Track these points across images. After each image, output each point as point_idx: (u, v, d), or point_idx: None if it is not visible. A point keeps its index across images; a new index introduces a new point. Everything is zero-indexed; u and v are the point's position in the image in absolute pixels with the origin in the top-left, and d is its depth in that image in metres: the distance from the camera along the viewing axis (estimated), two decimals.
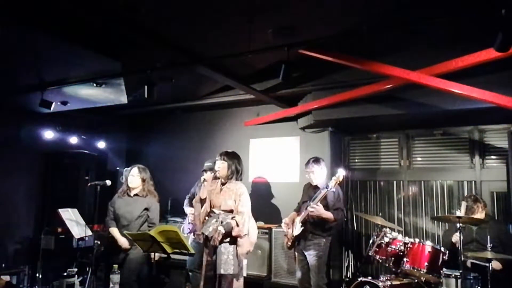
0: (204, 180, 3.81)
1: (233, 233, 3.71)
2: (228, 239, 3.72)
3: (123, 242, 4.10)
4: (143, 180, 4.29)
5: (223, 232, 3.63)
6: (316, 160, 4.33)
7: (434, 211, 5.09)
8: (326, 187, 3.98)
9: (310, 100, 5.22)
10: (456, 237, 3.84)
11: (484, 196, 4.66)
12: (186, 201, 4.98)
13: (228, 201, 3.78)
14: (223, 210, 3.78)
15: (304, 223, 4.18)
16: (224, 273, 3.64)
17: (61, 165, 6.16)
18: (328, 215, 4.04)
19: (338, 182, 3.97)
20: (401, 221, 5.27)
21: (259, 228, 5.23)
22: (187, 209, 4.85)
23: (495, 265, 3.71)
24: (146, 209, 4.25)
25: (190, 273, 4.76)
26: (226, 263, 3.65)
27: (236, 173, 3.87)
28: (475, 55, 3.60)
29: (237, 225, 3.71)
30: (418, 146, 5.32)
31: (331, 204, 4.11)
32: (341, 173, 3.98)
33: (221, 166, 3.82)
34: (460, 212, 4.12)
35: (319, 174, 4.28)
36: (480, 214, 4.03)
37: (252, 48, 3.52)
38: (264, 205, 5.63)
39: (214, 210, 3.80)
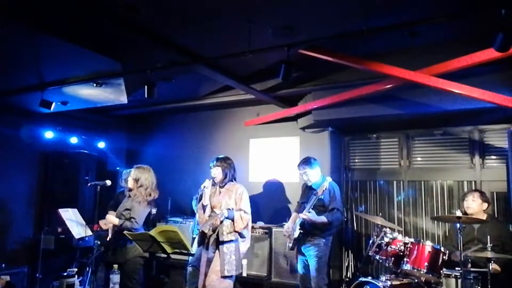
0: (205, 187, 3.89)
1: (236, 227, 3.78)
2: (231, 234, 3.78)
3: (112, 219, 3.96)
4: (136, 181, 4.05)
5: (226, 215, 3.77)
6: (306, 161, 4.34)
7: (434, 211, 5.09)
8: (315, 195, 4.06)
9: (310, 100, 5.22)
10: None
11: None
12: (194, 202, 4.89)
13: (229, 201, 3.86)
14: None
15: (302, 224, 4.19)
16: (228, 274, 3.68)
17: (61, 165, 6.16)
18: (321, 219, 4.06)
19: (324, 189, 4.01)
20: (401, 221, 5.27)
21: (259, 228, 5.25)
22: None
23: (494, 267, 3.70)
24: (128, 209, 3.97)
25: (190, 269, 4.75)
26: (229, 263, 3.71)
27: (231, 174, 4.01)
28: (475, 55, 3.59)
29: (241, 219, 3.83)
30: (418, 146, 5.32)
31: (327, 205, 4.15)
32: (328, 180, 4.06)
33: (217, 172, 3.98)
34: (461, 211, 4.13)
35: (312, 174, 4.29)
36: (478, 207, 4.04)
37: (252, 48, 3.52)
38: (264, 205, 5.64)
39: (215, 210, 3.86)
